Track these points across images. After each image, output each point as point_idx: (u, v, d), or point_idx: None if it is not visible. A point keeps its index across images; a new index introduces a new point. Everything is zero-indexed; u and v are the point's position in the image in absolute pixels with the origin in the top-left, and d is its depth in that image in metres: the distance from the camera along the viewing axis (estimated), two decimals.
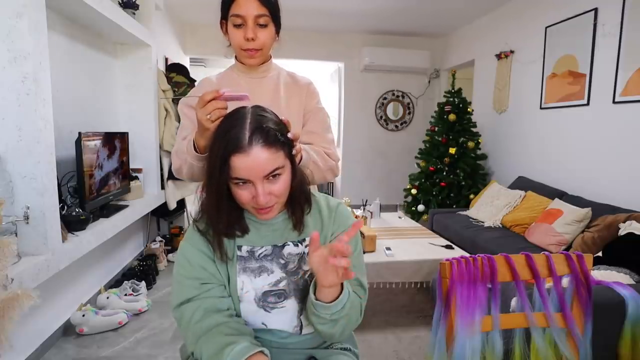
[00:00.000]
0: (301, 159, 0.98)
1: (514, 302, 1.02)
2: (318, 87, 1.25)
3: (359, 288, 0.89)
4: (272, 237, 0.89)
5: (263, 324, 0.88)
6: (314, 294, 0.79)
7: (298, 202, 0.87)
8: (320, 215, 0.92)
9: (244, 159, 0.74)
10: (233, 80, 1.18)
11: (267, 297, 0.86)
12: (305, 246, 0.89)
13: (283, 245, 0.89)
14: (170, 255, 3.38)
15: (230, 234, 0.86)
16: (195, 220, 0.88)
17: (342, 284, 0.80)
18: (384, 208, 3.58)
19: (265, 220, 0.87)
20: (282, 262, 0.88)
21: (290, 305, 0.87)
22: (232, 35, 1.08)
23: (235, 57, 1.17)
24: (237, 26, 1.06)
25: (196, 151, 0.97)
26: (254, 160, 0.74)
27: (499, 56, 3.91)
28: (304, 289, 0.88)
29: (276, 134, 0.77)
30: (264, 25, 1.06)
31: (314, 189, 1.09)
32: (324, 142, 1.16)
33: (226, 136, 0.76)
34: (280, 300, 0.87)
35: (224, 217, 0.82)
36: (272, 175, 0.77)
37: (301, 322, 0.89)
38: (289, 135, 0.82)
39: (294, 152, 0.84)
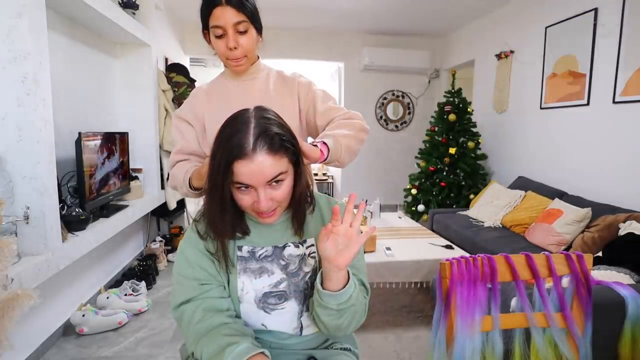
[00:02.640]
0: (328, 153, 0.96)
1: (514, 302, 1.02)
2: (318, 86, 1.24)
3: (361, 288, 0.89)
4: (272, 237, 0.88)
5: (263, 325, 0.88)
6: (321, 284, 0.79)
7: (301, 206, 0.86)
8: (321, 216, 0.92)
9: (247, 165, 0.73)
10: (224, 87, 1.18)
11: (267, 298, 0.86)
12: (306, 247, 0.89)
13: (284, 246, 0.88)
14: (170, 255, 3.38)
15: (232, 235, 0.85)
16: (195, 221, 0.88)
17: (348, 276, 0.80)
18: (384, 208, 3.58)
19: None
20: (283, 263, 0.88)
21: (291, 306, 0.87)
22: (216, 45, 1.09)
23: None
24: (219, 37, 1.06)
25: (191, 188, 1.02)
26: (258, 166, 0.73)
27: (499, 56, 3.91)
28: (304, 290, 0.87)
29: (281, 139, 0.76)
30: (244, 32, 1.06)
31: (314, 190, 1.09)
32: (336, 111, 1.14)
33: (229, 142, 0.74)
34: (281, 302, 0.87)
35: (229, 222, 0.82)
36: (275, 180, 0.76)
37: (301, 324, 0.89)
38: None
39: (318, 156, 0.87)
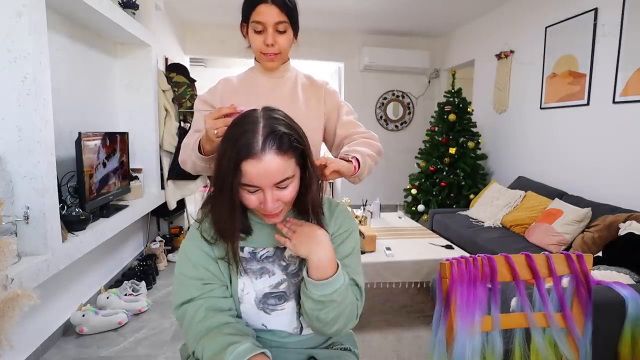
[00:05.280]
0: (359, 166, 1.01)
1: (514, 302, 1.02)
2: (343, 99, 1.29)
3: (354, 287, 0.88)
4: (274, 238, 0.88)
5: (263, 325, 0.88)
6: (307, 272, 0.80)
7: (308, 211, 0.85)
8: (323, 218, 0.92)
9: (256, 165, 0.73)
10: (253, 80, 1.20)
11: (267, 299, 0.86)
12: None
13: (284, 247, 0.88)
14: (170, 255, 3.38)
15: (238, 236, 0.85)
16: (198, 221, 0.88)
17: (337, 269, 0.80)
18: (384, 208, 3.58)
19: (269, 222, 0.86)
20: (284, 264, 0.88)
21: (290, 307, 0.87)
22: (253, 40, 1.11)
23: (255, 58, 1.20)
24: (258, 32, 1.09)
25: (200, 153, 0.99)
26: (266, 166, 0.73)
27: (499, 56, 3.91)
28: None
29: (289, 139, 0.75)
30: (283, 31, 1.10)
31: None
32: (357, 127, 1.21)
33: (238, 142, 0.74)
34: (281, 302, 0.87)
35: (236, 224, 0.81)
36: (282, 182, 0.76)
37: (301, 324, 0.89)
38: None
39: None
